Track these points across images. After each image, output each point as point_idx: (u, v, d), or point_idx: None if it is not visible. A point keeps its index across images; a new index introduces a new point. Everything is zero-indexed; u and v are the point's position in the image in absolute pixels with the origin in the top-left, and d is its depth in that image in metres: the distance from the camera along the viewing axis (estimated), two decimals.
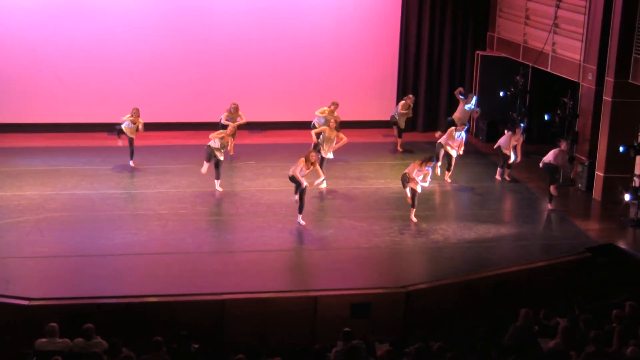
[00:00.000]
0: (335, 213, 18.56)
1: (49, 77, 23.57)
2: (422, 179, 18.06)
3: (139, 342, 12.92)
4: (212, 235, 17.23)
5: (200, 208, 18.68)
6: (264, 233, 17.31)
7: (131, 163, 20.73)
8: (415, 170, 18.00)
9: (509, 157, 20.74)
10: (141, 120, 20.53)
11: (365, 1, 24.92)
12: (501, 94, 23.58)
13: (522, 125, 21.73)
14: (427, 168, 18.13)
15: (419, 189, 18.02)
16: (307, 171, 17.79)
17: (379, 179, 20.72)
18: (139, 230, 17.21)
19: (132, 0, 23.74)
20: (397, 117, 23.00)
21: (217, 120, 21.80)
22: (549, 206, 19.15)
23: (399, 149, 23.05)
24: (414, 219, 18.08)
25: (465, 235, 17.59)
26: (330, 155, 20.15)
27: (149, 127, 21.50)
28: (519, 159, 20.82)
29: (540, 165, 19.47)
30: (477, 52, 25.00)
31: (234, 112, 21.48)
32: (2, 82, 23.37)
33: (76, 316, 13.40)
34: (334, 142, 20.13)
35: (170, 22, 23.99)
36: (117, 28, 23.69)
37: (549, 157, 19.25)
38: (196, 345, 12.84)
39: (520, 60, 23.18)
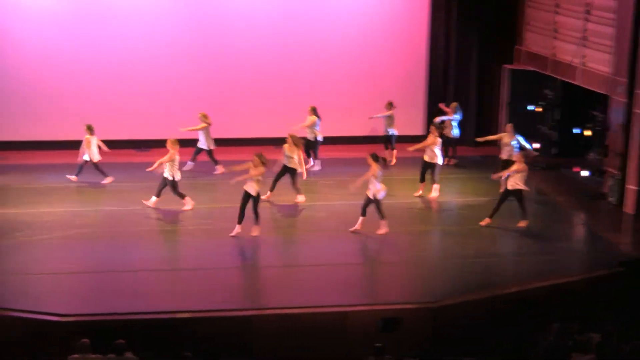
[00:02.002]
0: (364, 228, 18.51)
1: (76, 95, 23.74)
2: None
3: (168, 358, 12.97)
4: (239, 251, 17.22)
5: (226, 224, 18.63)
6: (292, 248, 17.31)
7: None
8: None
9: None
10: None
11: (392, 15, 24.97)
12: (529, 107, 23.52)
13: (529, 146, 21.39)
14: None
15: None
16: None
17: (407, 193, 20.65)
18: (168, 246, 17.24)
19: (156, 20, 23.98)
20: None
21: (243, 135, 21.90)
22: None
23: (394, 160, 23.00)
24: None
25: (494, 250, 17.50)
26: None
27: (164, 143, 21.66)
28: None
29: None
30: (504, 65, 24.93)
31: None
32: (32, 101, 23.61)
33: (107, 332, 13.42)
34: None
35: (191, 37, 24.26)
36: (142, 47, 23.95)
37: None
38: None
39: (548, 73, 23.09)
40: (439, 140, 20.44)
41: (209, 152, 21.83)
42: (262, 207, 18.40)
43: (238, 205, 17.71)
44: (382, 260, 16.89)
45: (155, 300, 15.01)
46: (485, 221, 18.64)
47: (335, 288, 15.65)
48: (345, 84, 24.83)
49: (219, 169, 21.70)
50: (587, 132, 20.76)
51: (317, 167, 22.27)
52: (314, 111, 22.21)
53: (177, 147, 18.96)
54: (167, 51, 24.05)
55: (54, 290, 15.35)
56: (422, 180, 20.46)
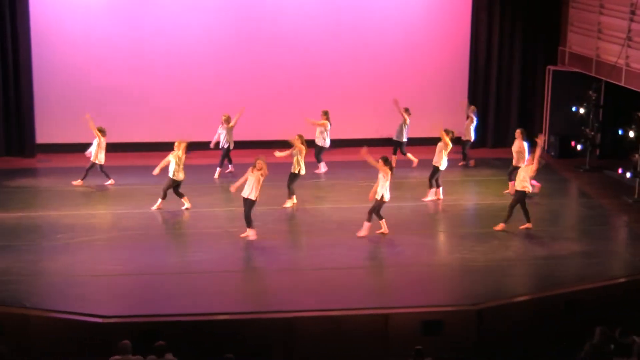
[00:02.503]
0: (405, 230, 18.45)
1: (120, 98, 23.96)
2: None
3: None
4: (281, 253, 17.23)
5: (270, 226, 18.72)
6: (334, 250, 17.27)
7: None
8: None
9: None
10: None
11: (434, 15, 24.91)
12: (573, 109, 23.33)
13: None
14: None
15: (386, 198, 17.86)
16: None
17: (449, 195, 20.54)
18: (209, 248, 17.28)
19: (206, 23, 24.19)
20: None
21: (286, 138, 21.88)
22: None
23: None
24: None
25: (537, 252, 17.35)
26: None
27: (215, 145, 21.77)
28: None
29: None
30: (548, 67, 24.74)
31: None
32: (76, 104, 23.79)
33: (148, 333, 13.49)
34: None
35: (237, 39, 24.36)
36: (184, 50, 24.10)
37: None
38: None
39: (592, 74, 22.86)
40: (450, 145, 20.25)
41: (227, 150, 21.86)
42: (291, 212, 18.73)
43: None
44: (421, 262, 16.79)
45: (196, 302, 15.04)
46: (500, 226, 18.42)
47: (376, 290, 15.61)
48: (386, 85, 24.76)
49: (231, 168, 21.94)
50: (631, 134, 20.51)
51: (323, 170, 22.31)
52: (326, 115, 22.12)
53: (184, 147, 19.28)
54: (214, 55, 24.31)
55: (95, 292, 15.45)
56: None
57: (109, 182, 20.92)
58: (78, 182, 20.88)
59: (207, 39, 24.22)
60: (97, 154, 20.76)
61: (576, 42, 23.99)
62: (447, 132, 20.22)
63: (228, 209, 19.40)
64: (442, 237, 18.08)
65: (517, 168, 19.84)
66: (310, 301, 15.09)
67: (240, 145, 22.26)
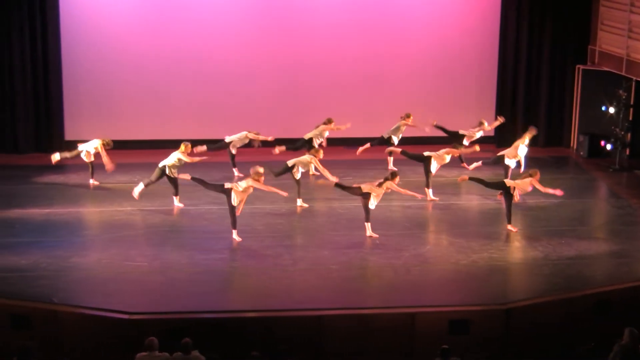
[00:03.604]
0: (432, 229, 18.39)
1: (151, 94, 24.10)
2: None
3: (236, 358, 13.01)
4: (309, 251, 17.20)
5: (297, 224, 18.74)
6: (361, 249, 17.24)
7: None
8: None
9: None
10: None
11: (463, 13, 24.79)
12: (603, 108, 23.18)
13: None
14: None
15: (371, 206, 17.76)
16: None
17: (476, 194, 20.45)
18: (236, 246, 17.30)
19: (229, 19, 24.21)
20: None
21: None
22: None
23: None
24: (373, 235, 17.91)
25: (566, 252, 17.22)
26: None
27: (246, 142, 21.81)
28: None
29: None
30: (577, 66, 24.58)
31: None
32: (105, 101, 23.99)
33: (174, 330, 13.52)
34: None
35: (269, 38, 24.41)
36: (211, 47, 24.20)
37: None
38: None
39: (623, 73, 22.68)
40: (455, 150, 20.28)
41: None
42: (317, 210, 18.91)
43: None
44: (448, 261, 16.72)
45: (223, 299, 15.08)
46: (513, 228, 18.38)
47: (403, 289, 15.56)
48: (413, 83, 24.74)
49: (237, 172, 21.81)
50: None
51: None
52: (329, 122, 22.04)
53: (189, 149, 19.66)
54: (246, 54, 24.40)
55: (123, 288, 15.51)
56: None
57: (93, 181, 20.97)
58: (94, 183, 20.95)
59: (236, 36, 24.26)
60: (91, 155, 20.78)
61: (606, 40, 23.80)
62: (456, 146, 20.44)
63: (254, 207, 19.39)
64: (470, 236, 17.97)
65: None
66: (337, 299, 15.08)
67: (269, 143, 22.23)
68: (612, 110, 23.09)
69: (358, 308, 14.69)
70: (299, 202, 19.63)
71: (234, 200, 17.39)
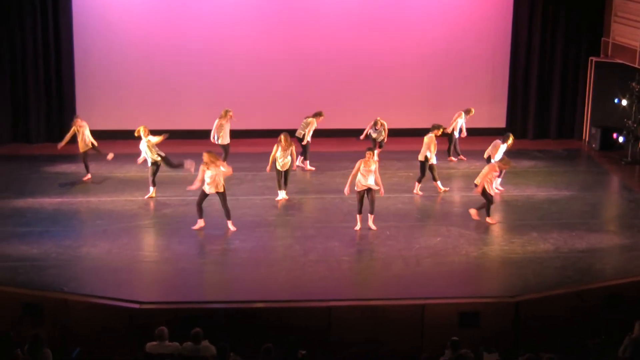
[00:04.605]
0: (444, 221, 18.36)
1: (161, 84, 24.15)
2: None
3: (246, 348, 13.03)
4: (319, 242, 17.20)
5: (308, 214, 18.75)
6: (371, 240, 17.24)
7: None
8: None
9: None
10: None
11: (475, 4, 24.72)
12: (615, 101, 23.09)
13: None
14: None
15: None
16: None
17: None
18: (247, 237, 17.31)
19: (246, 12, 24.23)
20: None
21: (332, 127, 22.02)
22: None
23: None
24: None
25: (577, 245, 17.18)
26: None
27: (256, 134, 21.78)
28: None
29: None
30: (590, 58, 24.48)
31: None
32: (118, 90, 24.06)
33: (185, 320, 13.55)
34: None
35: (279, 30, 24.47)
36: (224, 39, 24.25)
37: None
38: (303, 352, 12.83)
39: (636, 66, 22.57)
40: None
41: (227, 147, 21.65)
42: (328, 201, 18.79)
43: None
44: (459, 253, 16.70)
45: (233, 290, 15.09)
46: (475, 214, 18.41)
47: (413, 281, 15.55)
48: (424, 75, 24.72)
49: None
50: None
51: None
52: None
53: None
54: (267, 44, 24.48)
55: (133, 278, 15.56)
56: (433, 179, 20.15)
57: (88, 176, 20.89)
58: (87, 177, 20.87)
59: (248, 28, 24.29)
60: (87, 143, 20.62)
61: (620, 32, 23.69)
62: (437, 127, 20.04)
63: (265, 198, 19.42)
64: (480, 229, 17.95)
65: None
66: (347, 290, 15.09)
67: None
68: (624, 102, 23.01)
69: (368, 299, 14.69)
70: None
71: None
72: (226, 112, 21.21)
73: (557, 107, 25.01)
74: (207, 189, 17.42)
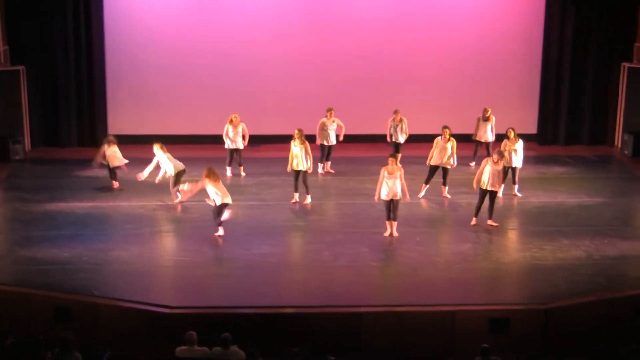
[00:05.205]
0: (474, 227, 18.26)
1: (183, 90, 24.19)
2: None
3: (275, 353, 13.02)
4: (348, 247, 17.16)
5: (337, 220, 18.72)
6: (401, 246, 17.20)
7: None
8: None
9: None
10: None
11: (507, 8, 24.60)
12: None
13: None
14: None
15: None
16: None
17: (520, 192, 20.30)
18: (276, 242, 17.32)
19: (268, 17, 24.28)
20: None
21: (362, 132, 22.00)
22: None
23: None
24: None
25: (609, 252, 17.04)
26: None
27: (286, 138, 21.75)
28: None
29: None
30: (623, 63, 24.29)
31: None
32: (139, 95, 24.17)
33: (214, 325, 13.56)
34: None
35: (305, 33, 24.43)
36: (255, 43, 24.20)
37: None
38: (332, 358, 12.81)
39: None
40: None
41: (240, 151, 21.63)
42: (357, 206, 19.09)
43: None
44: (489, 259, 16.62)
45: (263, 295, 15.07)
46: (473, 221, 18.31)
47: (443, 287, 15.49)
48: (455, 80, 24.62)
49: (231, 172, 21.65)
50: None
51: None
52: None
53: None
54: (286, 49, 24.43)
55: (163, 282, 15.62)
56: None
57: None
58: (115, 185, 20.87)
59: (277, 33, 24.26)
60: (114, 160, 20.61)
61: None
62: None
63: (295, 202, 19.43)
64: (511, 235, 17.88)
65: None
66: (377, 296, 15.05)
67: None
68: None
69: (398, 305, 14.65)
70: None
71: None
72: (234, 116, 21.25)
73: (589, 113, 24.82)
74: (218, 200, 17.40)
